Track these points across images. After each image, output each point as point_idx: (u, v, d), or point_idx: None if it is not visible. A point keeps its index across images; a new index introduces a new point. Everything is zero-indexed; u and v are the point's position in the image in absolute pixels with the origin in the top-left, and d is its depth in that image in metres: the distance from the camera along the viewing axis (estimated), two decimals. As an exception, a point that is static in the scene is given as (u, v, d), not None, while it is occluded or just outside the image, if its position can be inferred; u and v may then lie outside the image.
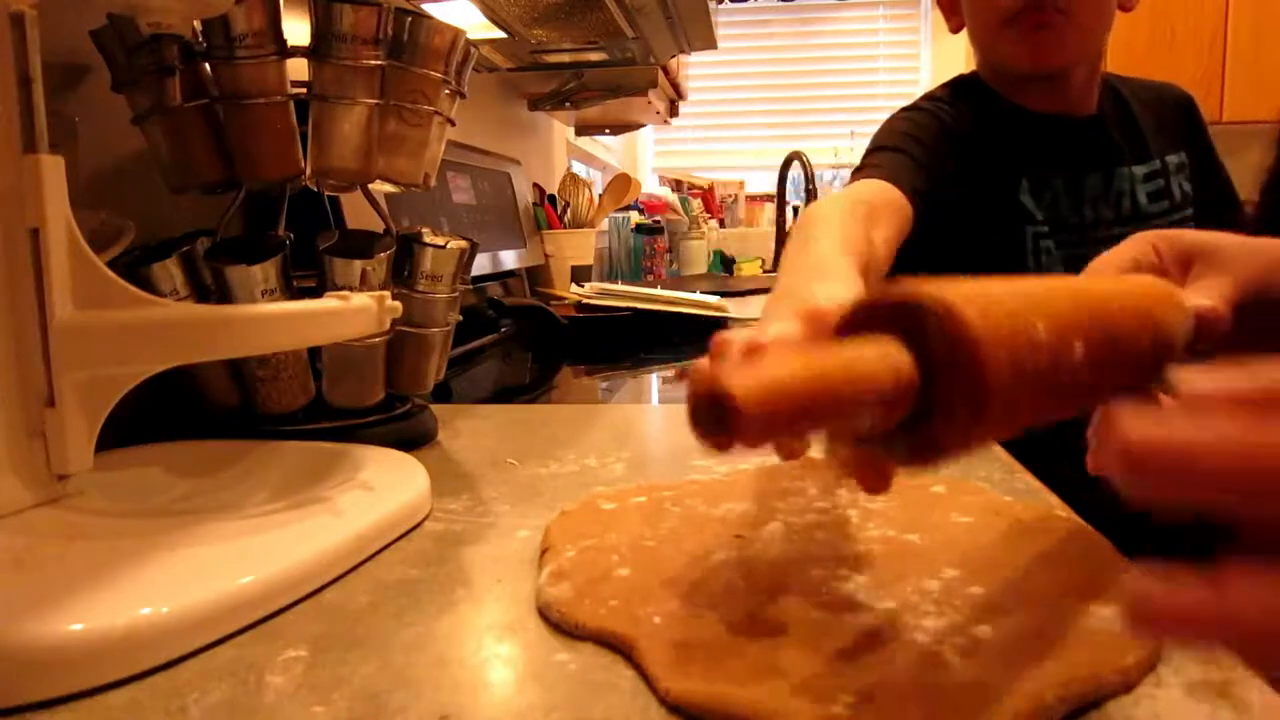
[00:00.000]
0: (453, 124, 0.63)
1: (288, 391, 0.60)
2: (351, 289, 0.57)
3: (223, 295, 0.56)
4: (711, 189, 3.11)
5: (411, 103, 0.59)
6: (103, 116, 0.60)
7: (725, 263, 2.84)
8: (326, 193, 0.68)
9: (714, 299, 1.39)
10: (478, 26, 1.22)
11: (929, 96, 0.99)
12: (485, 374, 1.10)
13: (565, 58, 1.51)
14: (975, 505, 0.45)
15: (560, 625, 0.34)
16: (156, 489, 0.50)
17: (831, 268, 0.50)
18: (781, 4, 3.57)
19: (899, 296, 0.26)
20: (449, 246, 0.64)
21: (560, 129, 2.20)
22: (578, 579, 0.37)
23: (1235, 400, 0.18)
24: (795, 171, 2.58)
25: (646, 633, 0.32)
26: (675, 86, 2.05)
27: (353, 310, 0.46)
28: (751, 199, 3.27)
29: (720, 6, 2.95)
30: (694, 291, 1.45)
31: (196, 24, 0.53)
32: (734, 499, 0.46)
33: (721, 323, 1.31)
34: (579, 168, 2.45)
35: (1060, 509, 0.46)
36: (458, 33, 0.60)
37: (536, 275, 1.66)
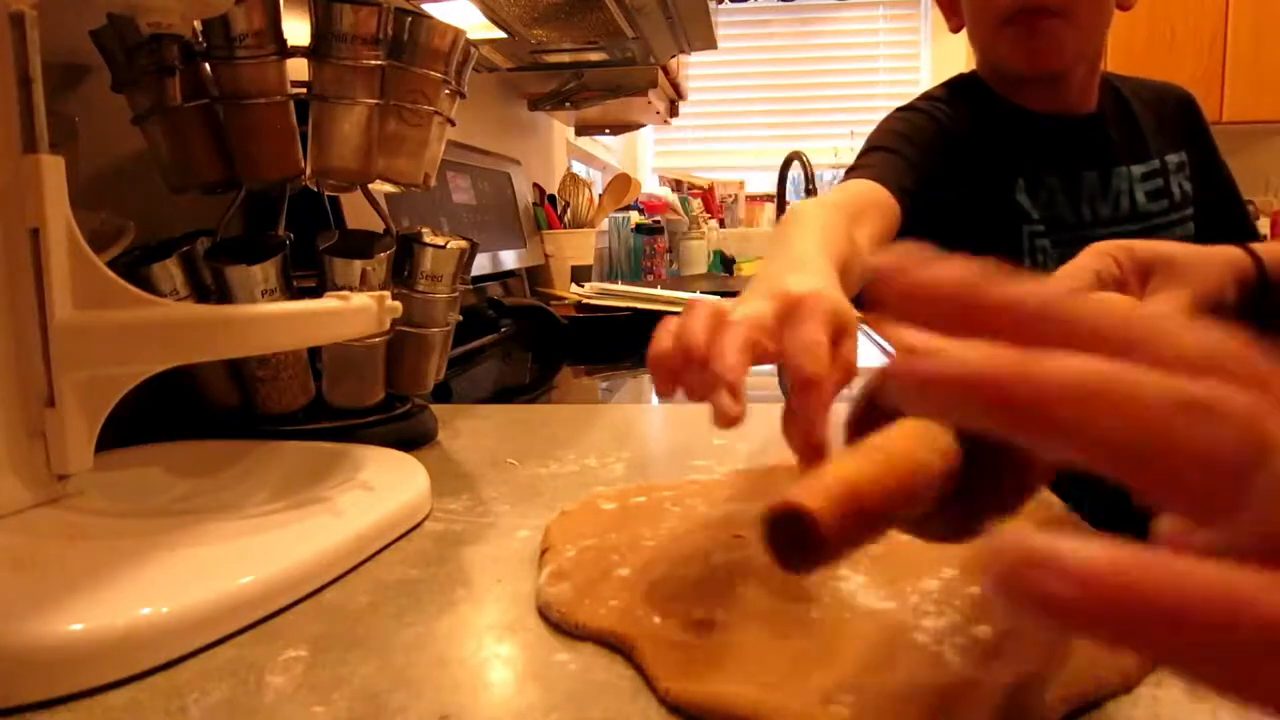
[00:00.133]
0: (453, 124, 0.63)
1: (288, 391, 0.60)
2: (351, 289, 0.57)
3: (223, 295, 0.56)
4: (711, 189, 3.12)
5: (411, 103, 0.59)
6: (103, 116, 0.60)
7: (725, 263, 2.84)
8: (326, 193, 0.68)
9: (714, 299, 1.38)
10: (478, 26, 1.22)
11: (926, 96, 0.99)
12: (485, 374, 1.10)
13: (565, 58, 1.51)
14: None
15: (560, 625, 0.34)
16: (156, 489, 0.50)
17: (807, 263, 0.51)
18: (781, 4, 3.57)
19: None
20: (449, 246, 0.64)
21: (560, 129, 2.20)
22: (578, 579, 0.37)
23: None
24: (795, 171, 2.58)
25: (646, 633, 0.32)
26: (675, 86, 2.05)
27: (353, 310, 0.46)
28: (751, 199, 3.27)
29: (720, 6, 2.96)
30: (694, 291, 1.45)
31: (196, 24, 0.53)
32: (734, 499, 0.46)
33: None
34: (579, 168, 2.45)
35: (1060, 509, 0.46)
36: (458, 33, 0.60)
37: (536, 275, 1.66)
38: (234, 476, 0.52)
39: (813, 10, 3.57)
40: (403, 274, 0.63)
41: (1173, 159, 0.99)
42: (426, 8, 1.06)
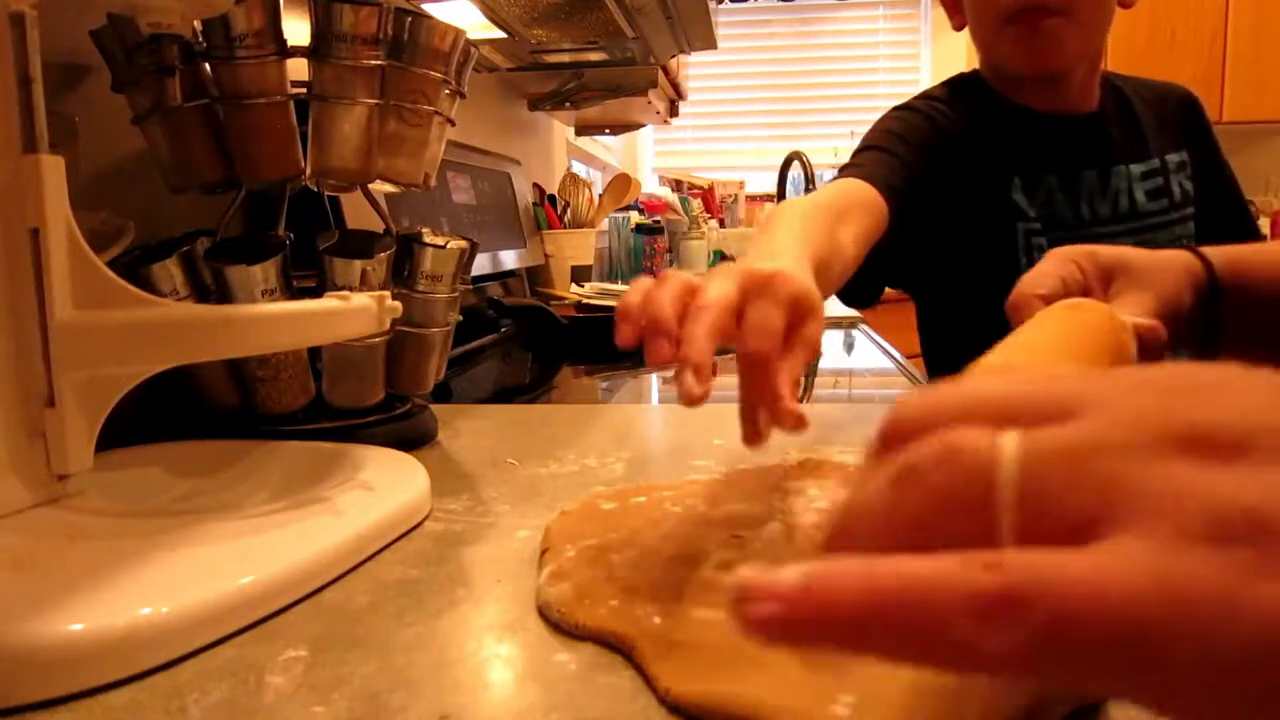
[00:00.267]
0: (453, 124, 0.63)
1: (288, 391, 0.60)
2: (351, 289, 0.57)
3: (223, 295, 0.56)
4: (711, 189, 3.11)
5: (411, 103, 0.59)
6: (103, 116, 0.60)
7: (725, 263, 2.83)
8: (326, 193, 0.68)
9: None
10: (478, 26, 1.22)
11: (925, 95, 1.00)
12: (485, 374, 1.10)
13: (565, 58, 1.51)
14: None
15: (560, 625, 0.34)
16: (156, 489, 0.50)
17: (781, 256, 0.52)
18: (781, 4, 3.57)
19: None
20: (449, 246, 0.64)
21: (560, 129, 2.20)
22: (578, 579, 0.37)
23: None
24: (795, 171, 2.58)
25: (646, 633, 0.32)
26: (675, 86, 2.05)
27: (353, 310, 0.46)
28: (751, 199, 3.27)
29: (720, 6, 2.96)
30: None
31: (196, 24, 0.53)
32: (734, 499, 0.46)
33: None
34: (579, 168, 2.45)
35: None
36: (458, 33, 0.60)
37: (536, 275, 1.66)
38: (234, 476, 0.52)
39: (813, 10, 3.57)
40: (403, 274, 0.63)
41: (1173, 158, 0.99)
42: (426, 8, 1.06)
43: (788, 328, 0.40)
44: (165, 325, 0.43)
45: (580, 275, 1.72)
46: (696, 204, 2.86)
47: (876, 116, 0.97)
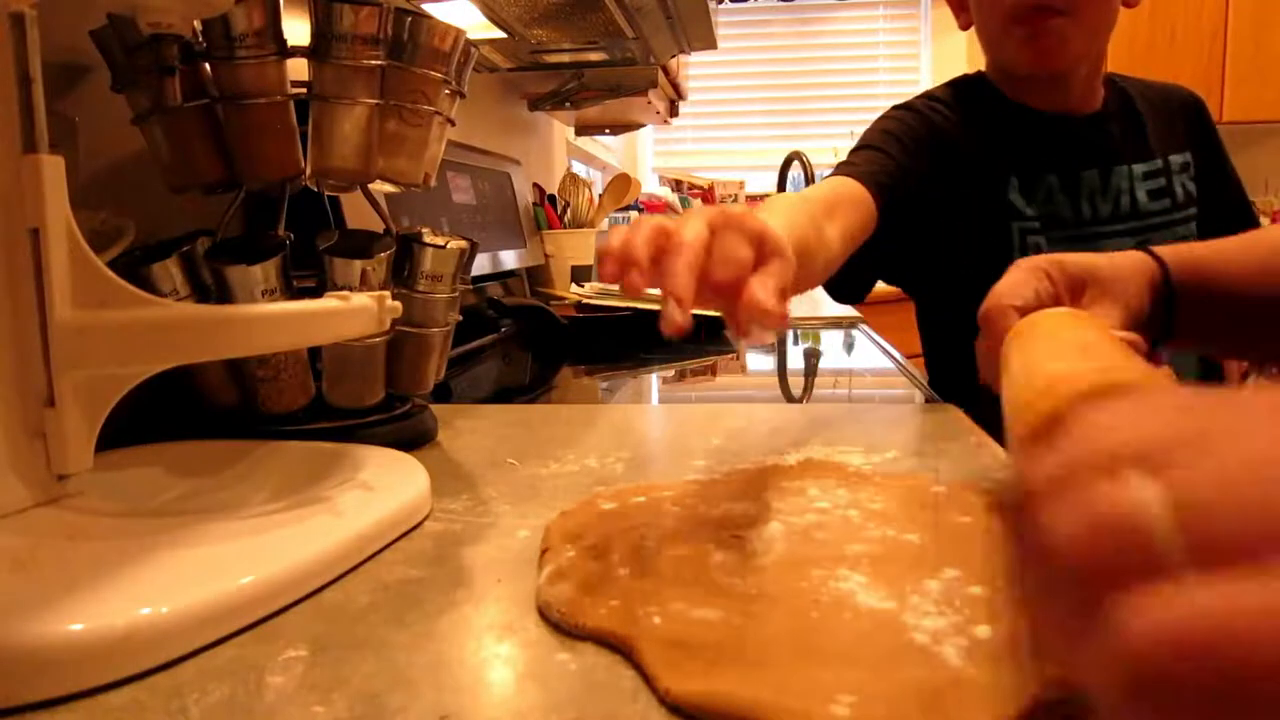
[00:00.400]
0: (453, 124, 0.63)
1: (288, 391, 0.60)
2: (351, 289, 0.57)
3: (223, 295, 0.56)
4: (711, 189, 3.11)
5: (412, 103, 0.59)
6: (103, 116, 0.60)
7: (725, 262, 2.83)
8: (326, 193, 0.68)
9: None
10: (478, 26, 1.22)
11: (926, 95, 1.00)
12: (485, 374, 1.10)
13: (565, 58, 1.51)
14: (975, 505, 0.45)
15: (560, 625, 0.34)
16: (156, 489, 0.50)
17: None
18: (781, 4, 3.57)
19: None
20: (449, 246, 0.64)
21: (560, 129, 2.20)
22: (578, 579, 0.37)
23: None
24: (795, 171, 2.58)
25: (646, 633, 0.32)
26: (675, 86, 2.05)
27: (353, 310, 0.46)
28: (751, 199, 3.26)
29: (720, 6, 2.95)
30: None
31: (196, 24, 0.53)
32: (734, 499, 0.46)
33: (722, 323, 1.31)
34: (579, 168, 2.45)
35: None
36: (458, 33, 0.60)
37: (536, 275, 1.66)
38: (234, 476, 0.52)
39: (813, 10, 3.57)
40: (403, 274, 0.63)
41: (1177, 160, 0.99)
42: (426, 8, 1.06)
43: (756, 261, 0.42)
44: (165, 325, 0.43)
45: (580, 275, 1.72)
46: (697, 204, 2.86)
47: (876, 116, 0.97)
